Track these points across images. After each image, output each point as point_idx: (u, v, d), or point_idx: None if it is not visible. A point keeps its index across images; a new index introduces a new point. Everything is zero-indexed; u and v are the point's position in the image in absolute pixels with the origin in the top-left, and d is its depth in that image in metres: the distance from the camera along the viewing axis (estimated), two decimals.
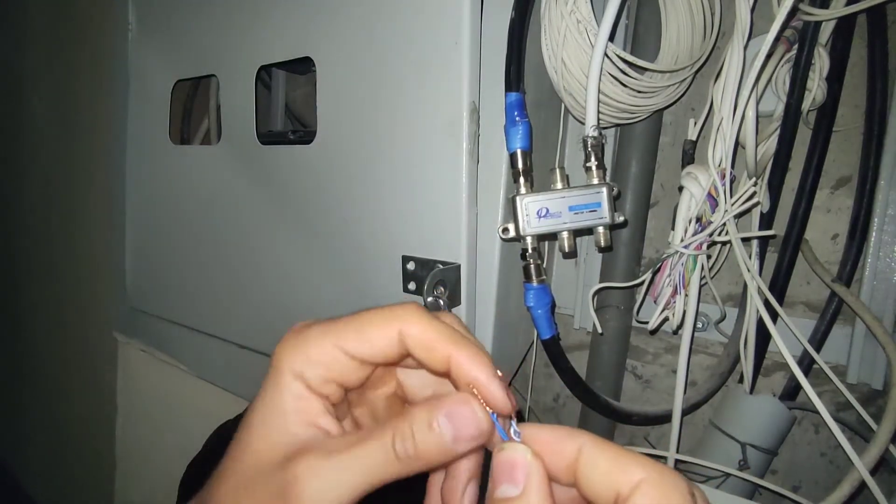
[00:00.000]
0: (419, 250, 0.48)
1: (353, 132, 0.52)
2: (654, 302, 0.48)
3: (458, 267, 0.46)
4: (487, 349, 0.33)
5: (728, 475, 0.47)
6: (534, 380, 0.64)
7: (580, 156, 0.45)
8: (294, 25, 0.56)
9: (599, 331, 0.54)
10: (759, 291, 0.44)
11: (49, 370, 1.27)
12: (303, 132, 0.73)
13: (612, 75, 0.46)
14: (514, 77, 0.44)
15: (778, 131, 0.46)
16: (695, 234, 0.45)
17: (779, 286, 0.48)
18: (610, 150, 0.56)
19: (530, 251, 0.44)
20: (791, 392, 0.51)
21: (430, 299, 0.45)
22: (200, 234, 0.70)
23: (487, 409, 0.21)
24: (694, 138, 0.51)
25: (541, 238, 0.45)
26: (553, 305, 0.47)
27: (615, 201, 0.44)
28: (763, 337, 0.47)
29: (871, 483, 0.37)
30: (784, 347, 0.41)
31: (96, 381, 1.03)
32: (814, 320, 0.50)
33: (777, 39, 0.40)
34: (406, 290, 0.49)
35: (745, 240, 0.47)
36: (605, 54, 0.43)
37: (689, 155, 0.51)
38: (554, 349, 0.48)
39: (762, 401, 0.48)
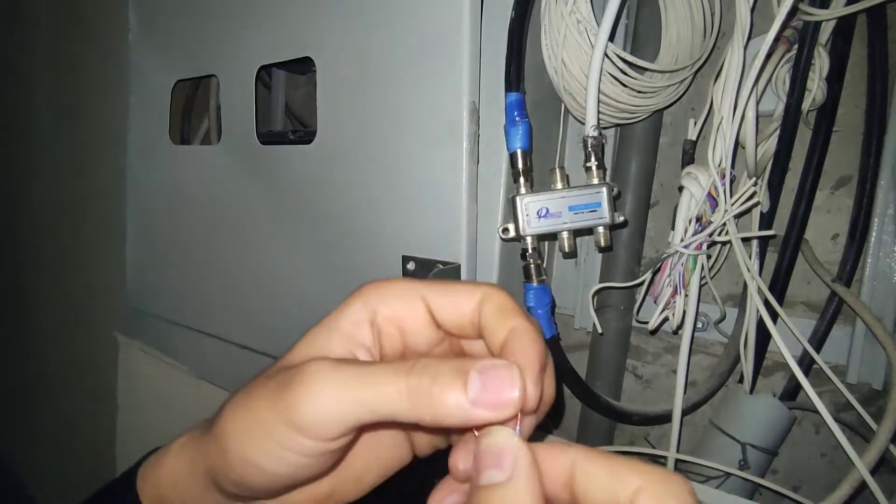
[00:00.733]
0: (419, 250, 0.48)
1: (353, 132, 0.52)
2: (654, 302, 0.48)
3: (458, 267, 0.46)
4: None
5: (728, 475, 0.47)
6: None
7: (580, 156, 0.45)
8: (294, 25, 0.56)
9: (599, 331, 0.54)
10: (759, 291, 0.44)
11: (49, 370, 1.27)
12: (303, 132, 0.73)
13: (612, 75, 0.46)
14: (514, 77, 0.44)
15: (778, 131, 0.46)
16: (695, 234, 0.45)
17: (779, 286, 0.48)
18: (610, 150, 0.56)
19: (530, 251, 0.44)
20: (791, 392, 0.51)
21: None
22: (201, 234, 0.70)
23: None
24: (694, 138, 0.51)
25: (541, 238, 0.45)
26: (553, 305, 0.47)
27: (615, 201, 0.44)
28: (763, 337, 0.47)
29: (872, 483, 0.37)
30: (784, 347, 0.41)
31: (97, 381, 1.03)
32: (814, 320, 0.50)
33: (777, 39, 0.40)
34: None
35: (745, 240, 0.47)
36: (605, 54, 0.43)
37: (689, 155, 0.51)
38: (554, 349, 0.48)
39: (762, 401, 0.48)
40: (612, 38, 0.43)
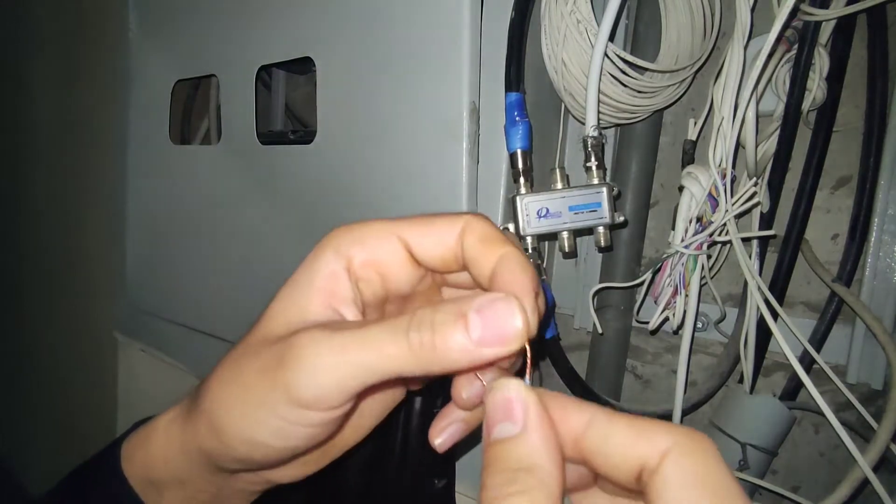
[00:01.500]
0: None
1: (353, 132, 0.52)
2: (655, 302, 0.48)
3: None
4: None
5: None
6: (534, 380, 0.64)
7: (580, 156, 0.45)
8: (294, 25, 0.56)
9: (599, 331, 0.54)
10: (760, 291, 0.44)
11: (49, 370, 1.27)
12: (303, 132, 0.73)
13: (612, 75, 0.46)
14: (514, 77, 0.44)
15: (778, 131, 0.46)
16: (695, 234, 0.45)
17: (779, 286, 0.48)
18: (610, 150, 0.56)
19: (530, 251, 0.44)
20: (791, 392, 0.51)
21: None
22: (201, 234, 0.70)
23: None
24: (694, 138, 0.51)
25: (541, 238, 0.45)
26: (553, 305, 0.47)
27: (615, 201, 0.44)
28: (763, 337, 0.47)
29: (874, 479, 0.37)
30: (786, 347, 0.41)
31: (97, 380, 1.03)
32: (814, 320, 0.50)
33: (777, 39, 0.40)
34: None
35: (746, 240, 0.47)
36: (605, 54, 0.43)
37: (690, 155, 0.51)
38: (554, 349, 0.48)
39: (762, 401, 0.48)
40: (612, 38, 0.43)
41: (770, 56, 0.45)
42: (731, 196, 0.44)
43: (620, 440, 0.17)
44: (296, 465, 0.23)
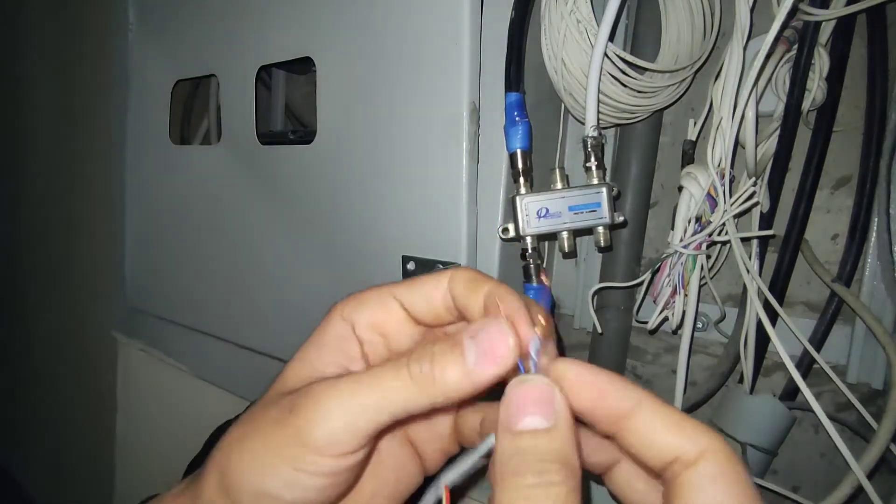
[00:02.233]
0: (419, 250, 0.48)
1: (353, 132, 0.52)
2: (654, 302, 0.48)
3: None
4: None
5: None
6: None
7: (580, 156, 0.45)
8: (294, 25, 0.56)
9: (599, 331, 0.54)
10: (759, 291, 0.44)
11: (49, 370, 1.27)
12: (303, 132, 0.73)
13: (612, 75, 0.46)
14: (514, 77, 0.44)
15: (778, 131, 0.46)
16: (694, 234, 0.45)
17: (779, 286, 0.48)
18: (610, 150, 0.56)
19: (530, 251, 0.44)
20: (791, 392, 0.51)
21: None
22: (200, 234, 0.70)
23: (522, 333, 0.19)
24: (694, 138, 0.51)
25: (541, 238, 0.45)
26: (553, 306, 0.47)
27: (615, 201, 0.44)
28: (763, 337, 0.47)
29: (867, 485, 0.37)
30: (781, 348, 0.41)
31: (96, 381, 1.03)
32: (814, 320, 0.50)
33: (777, 39, 0.40)
34: None
35: (745, 240, 0.47)
36: (605, 54, 0.43)
37: (689, 155, 0.51)
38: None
39: (762, 401, 0.48)
40: (612, 38, 0.43)
41: (770, 56, 0.45)
42: (730, 196, 0.44)
43: (664, 430, 0.18)
44: None
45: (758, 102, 0.46)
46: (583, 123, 0.45)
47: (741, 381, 0.49)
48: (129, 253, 0.81)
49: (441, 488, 0.19)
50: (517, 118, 0.43)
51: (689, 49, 0.48)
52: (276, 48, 0.59)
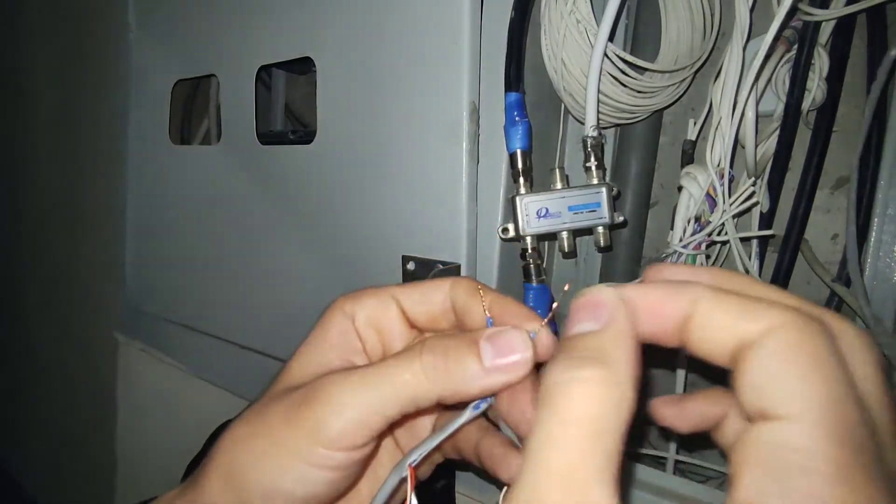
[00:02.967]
0: (419, 250, 0.48)
1: (353, 132, 0.52)
2: None
3: (458, 267, 0.46)
4: None
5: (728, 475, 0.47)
6: None
7: (580, 156, 0.45)
8: (294, 25, 0.56)
9: None
10: None
11: (49, 370, 1.27)
12: (303, 132, 0.73)
13: (611, 75, 0.46)
14: (514, 77, 0.44)
15: (778, 131, 0.46)
16: (694, 233, 0.45)
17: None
18: (610, 150, 0.56)
19: (530, 251, 0.44)
20: None
21: None
22: (200, 235, 0.70)
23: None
24: (693, 138, 0.51)
25: (541, 238, 0.45)
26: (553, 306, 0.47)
27: (615, 201, 0.44)
28: None
29: None
30: None
31: (96, 381, 1.03)
32: None
33: (776, 39, 0.40)
34: None
35: (745, 240, 0.47)
36: (605, 54, 0.43)
37: (689, 155, 0.51)
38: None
39: None
40: (611, 38, 0.43)
41: (769, 56, 0.45)
42: (730, 196, 0.44)
43: (725, 318, 0.15)
44: None
45: (757, 102, 0.46)
46: (583, 123, 0.45)
47: None
48: (129, 253, 0.81)
49: (405, 467, 0.19)
50: (517, 118, 0.44)
51: (689, 49, 0.48)
52: (276, 48, 0.59)
